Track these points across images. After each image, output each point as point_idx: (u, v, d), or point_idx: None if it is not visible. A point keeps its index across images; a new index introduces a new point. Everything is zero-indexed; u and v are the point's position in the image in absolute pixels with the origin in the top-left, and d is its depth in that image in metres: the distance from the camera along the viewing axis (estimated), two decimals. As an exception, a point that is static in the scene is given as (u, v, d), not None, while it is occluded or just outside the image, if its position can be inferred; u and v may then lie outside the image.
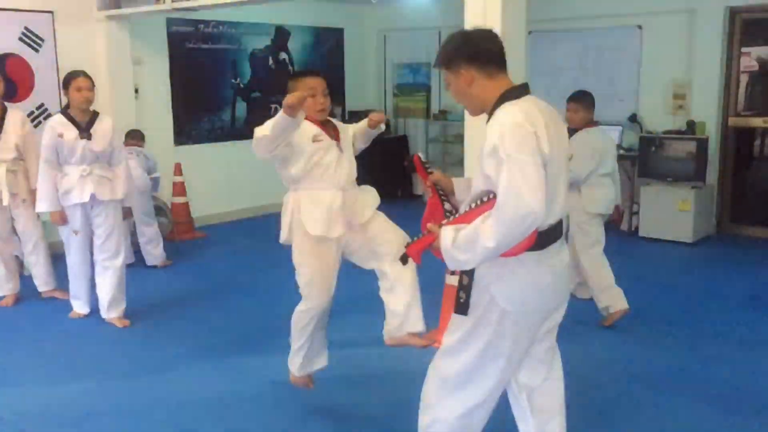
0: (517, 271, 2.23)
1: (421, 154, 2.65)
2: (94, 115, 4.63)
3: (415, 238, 2.35)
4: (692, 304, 5.09)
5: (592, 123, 4.76)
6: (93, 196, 4.59)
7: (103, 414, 3.58)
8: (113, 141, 4.69)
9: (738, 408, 3.52)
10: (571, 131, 4.46)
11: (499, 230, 2.05)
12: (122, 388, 3.87)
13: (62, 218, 4.63)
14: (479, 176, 2.21)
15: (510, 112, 2.16)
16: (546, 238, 2.23)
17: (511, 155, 2.05)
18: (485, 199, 2.15)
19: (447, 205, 2.45)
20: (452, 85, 2.34)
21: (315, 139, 3.29)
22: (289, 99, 2.93)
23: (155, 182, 6.43)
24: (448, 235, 2.17)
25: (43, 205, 4.62)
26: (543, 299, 2.33)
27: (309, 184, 3.30)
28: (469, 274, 2.29)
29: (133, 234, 6.28)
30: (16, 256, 5.53)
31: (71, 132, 4.52)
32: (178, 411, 3.60)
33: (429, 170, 2.57)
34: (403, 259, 2.52)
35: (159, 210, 6.65)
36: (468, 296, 2.31)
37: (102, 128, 4.61)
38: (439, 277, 4.34)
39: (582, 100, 4.76)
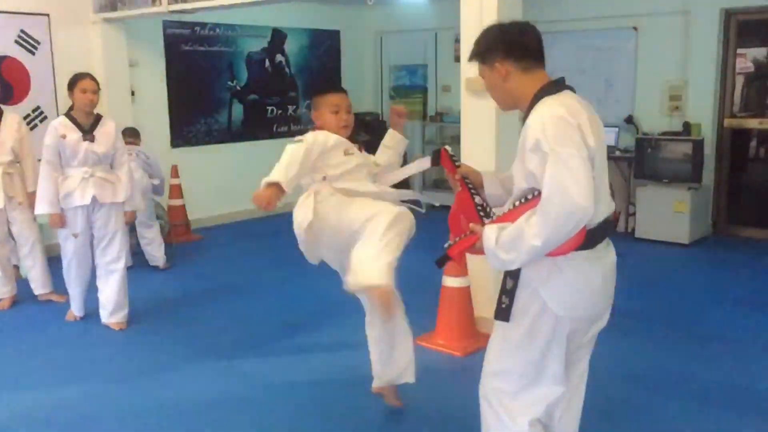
0: (567, 271, 2.13)
1: (448, 147, 2.54)
2: (97, 117, 4.61)
3: (456, 239, 2.25)
4: (688, 305, 5.10)
5: None
6: (94, 199, 4.57)
7: (100, 417, 3.57)
8: (116, 144, 4.67)
9: (734, 408, 3.52)
10: None
11: (545, 228, 1.97)
12: (119, 391, 3.86)
13: (61, 221, 4.59)
14: (520, 174, 2.13)
15: (551, 105, 2.09)
16: (595, 235, 2.14)
17: (555, 149, 1.98)
18: (529, 196, 2.08)
19: (477, 199, 2.35)
20: (486, 79, 2.27)
21: (346, 153, 3.21)
22: (259, 201, 2.96)
23: (159, 187, 6.42)
24: (491, 235, 2.10)
25: (42, 207, 4.57)
26: (593, 301, 2.23)
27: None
28: (514, 277, 2.20)
29: (132, 236, 6.27)
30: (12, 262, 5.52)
31: (74, 134, 4.50)
32: (175, 413, 3.59)
33: (457, 163, 2.47)
34: (441, 262, 2.38)
35: (156, 212, 6.64)
36: (511, 301, 2.21)
37: (105, 131, 4.60)
38: (435, 278, 4.36)
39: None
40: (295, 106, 9.08)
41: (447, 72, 8.87)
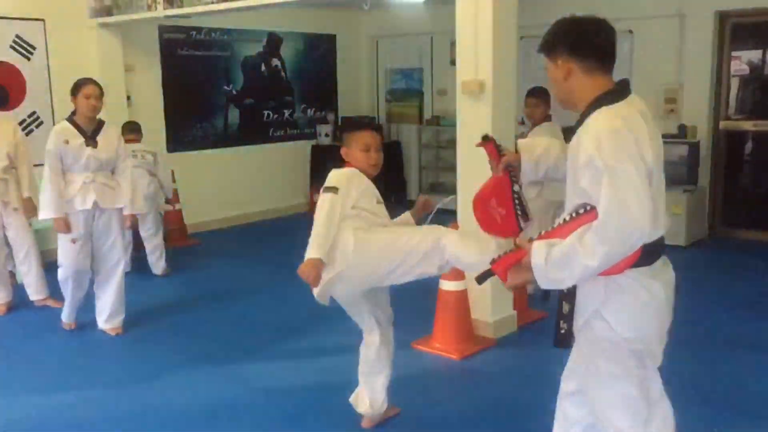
0: (629, 289, 2.02)
1: (492, 135, 2.45)
2: (100, 123, 4.59)
3: (502, 254, 2.14)
4: (685, 307, 5.09)
5: (548, 117, 5.08)
6: (96, 204, 4.54)
7: (96, 423, 3.56)
8: (118, 150, 4.65)
9: (732, 410, 3.53)
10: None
11: (601, 248, 1.87)
12: (116, 397, 3.85)
13: (66, 225, 4.52)
14: (572, 188, 2.03)
15: (607, 117, 1.98)
16: (654, 252, 2.05)
17: (611, 165, 1.87)
18: (581, 211, 1.97)
19: (516, 187, 2.29)
20: (549, 72, 2.16)
21: (378, 201, 3.18)
22: (306, 277, 2.90)
23: (166, 189, 6.41)
24: (540, 252, 1.98)
25: (47, 212, 4.50)
26: (660, 319, 2.12)
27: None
28: (570, 300, 2.10)
29: (134, 243, 6.28)
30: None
31: (77, 139, 4.48)
32: (171, 419, 3.58)
33: (502, 152, 2.37)
34: (482, 278, 2.25)
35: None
36: (570, 326, 2.11)
37: (108, 137, 4.58)
38: (431, 282, 4.35)
39: (541, 95, 5.02)
40: (291, 111, 9.09)
41: (443, 75, 8.88)
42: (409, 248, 2.90)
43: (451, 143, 8.34)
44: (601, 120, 1.98)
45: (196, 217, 7.81)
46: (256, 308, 5.33)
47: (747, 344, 4.41)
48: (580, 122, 2.06)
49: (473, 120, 4.33)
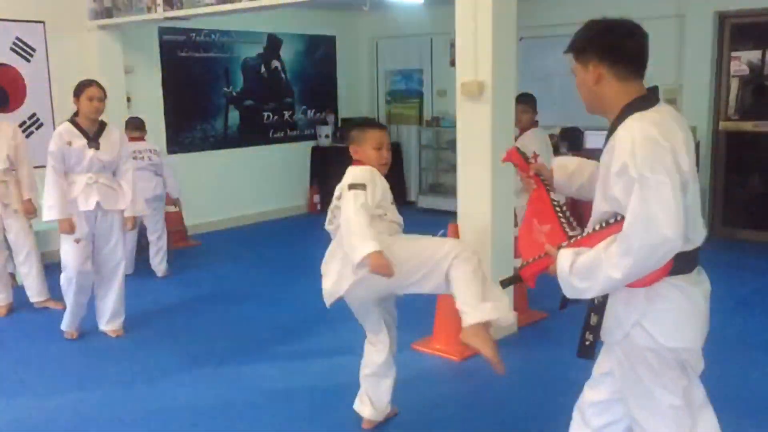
0: (672, 297, 1.97)
1: (518, 146, 2.40)
2: (102, 125, 4.58)
3: (530, 260, 2.12)
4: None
5: (535, 123, 5.17)
6: (98, 205, 4.53)
7: (96, 424, 3.56)
8: (121, 152, 4.64)
9: (731, 409, 3.52)
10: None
11: (626, 260, 1.82)
12: (116, 398, 3.85)
13: (70, 226, 4.49)
14: (601, 194, 1.98)
15: (642, 124, 1.91)
16: (694, 257, 2.03)
17: (644, 175, 1.81)
18: (611, 221, 1.92)
19: (553, 195, 2.23)
20: (578, 77, 2.09)
21: (392, 201, 3.20)
22: (384, 270, 2.84)
23: (172, 188, 6.40)
24: (566, 259, 1.95)
25: (52, 213, 4.47)
26: (701, 327, 2.08)
27: None
28: (599, 312, 2.05)
29: (139, 244, 6.29)
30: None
31: (79, 141, 4.47)
32: (171, 420, 3.58)
33: (529, 161, 2.33)
34: (507, 283, 2.24)
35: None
36: (596, 337, 2.06)
37: (111, 139, 4.57)
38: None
39: (529, 101, 5.06)
40: (291, 112, 9.09)
41: (442, 77, 8.89)
42: (435, 261, 2.94)
43: (451, 144, 8.35)
44: (636, 127, 1.90)
45: (197, 219, 7.82)
46: (257, 309, 5.33)
47: (747, 344, 4.41)
48: (612, 129, 2.01)
49: (473, 121, 4.34)
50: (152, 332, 4.87)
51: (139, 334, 4.82)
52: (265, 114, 8.80)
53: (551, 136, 7.98)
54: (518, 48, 4.66)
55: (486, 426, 3.48)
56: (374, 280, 2.96)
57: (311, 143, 9.27)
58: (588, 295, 1.97)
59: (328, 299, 3.18)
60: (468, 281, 2.90)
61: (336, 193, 3.12)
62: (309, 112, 9.31)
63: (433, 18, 8.59)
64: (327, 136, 9.20)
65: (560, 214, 2.16)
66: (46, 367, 4.33)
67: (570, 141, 7.79)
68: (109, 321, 4.76)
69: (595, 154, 7.14)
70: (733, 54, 7.07)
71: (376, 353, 3.32)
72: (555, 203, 2.20)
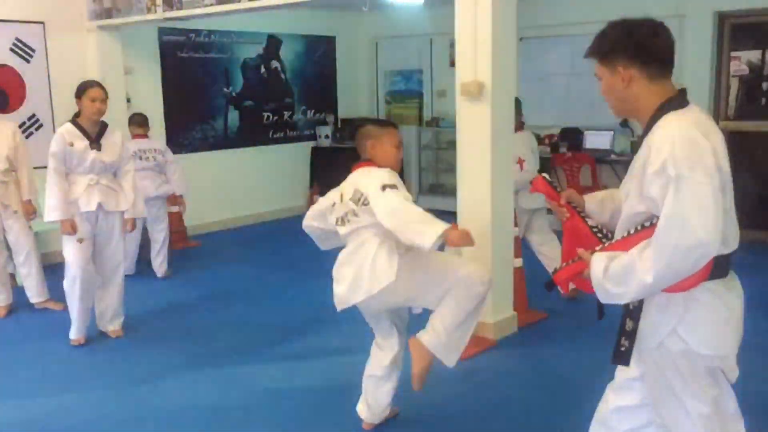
0: (709, 303, 1.91)
1: (545, 174, 2.32)
2: (104, 126, 4.56)
3: (564, 265, 2.08)
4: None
5: (522, 126, 5.27)
6: (99, 206, 4.51)
7: (97, 425, 3.56)
8: (122, 154, 4.62)
9: (753, 416, 3.52)
10: None
11: (659, 263, 1.77)
12: (117, 398, 3.85)
13: (72, 227, 4.46)
14: (635, 196, 1.92)
15: (681, 123, 1.86)
16: (729, 262, 1.97)
17: (683, 175, 1.75)
18: (647, 224, 1.87)
19: (591, 221, 2.14)
20: (604, 81, 2.03)
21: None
22: (469, 240, 2.82)
23: (180, 184, 6.36)
24: (599, 264, 1.90)
25: (53, 214, 4.44)
26: (736, 333, 2.03)
27: None
28: (634, 317, 1.98)
29: (142, 245, 6.30)
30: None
31: (81, 142, 4.45)
32: (171, 421, 3.58)
33: (558, 189, 2.24)
34: (549, 286, 2.22)
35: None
36: (632, 344, 1.99)
37: (112, 141, 4.56)
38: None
39: (517, 105, 4.99)
40: (290, 112, 9.09)
41: (442, 77, 8.89)
42: (449, 284, 2.98)
43: (451, 145, 8.35)
44: (675, 127, 1.85)
45: (197, 219, 7.81)
46: (257, 310, 5.33)
47: (747, 343, 4.40)
48: (646, 130, 1.96)
49: (473, 121, 4.34)
50: (152, 332, 4.87)
51: (139, 334, 4.82)
52: (265, 114, 8.80)
53: (551, 136, 8.02)
54: (518, 48, 4.66)
55: (486, 426, 3.48)
56: (388, 295, 2.98)
57: (311, 143, 9.27)
58: (623, 300, 1.91)
59: (340, 305, 3.15)
60: (458, 308, 2.97)
61: (352, 195, 3.06)
62: (309, 112, 9.31)
63: (433, 18, 8.59)
64: (327, 137, 9.20)
65: (601, 237, 2.09)
66: (47, 367, 4.32)
67: (570, 141, 7.80)
68: (109, 322, 4.76)
69: (594, 154, 7.24)
70: (733, 54, 7.07)
71: (383, 356, 3.30)
72: (594, 228, 2.12)
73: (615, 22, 2.03)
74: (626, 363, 2.02)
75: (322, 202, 3.31)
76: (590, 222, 2.13)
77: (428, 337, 3.01)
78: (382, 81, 9.81)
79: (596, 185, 7.42)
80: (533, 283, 4.96)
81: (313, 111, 9.34)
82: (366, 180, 3.06)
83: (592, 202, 2.23)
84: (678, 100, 1.95)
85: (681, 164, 1.77)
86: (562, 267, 2.08)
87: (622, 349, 2.01)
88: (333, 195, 3.24)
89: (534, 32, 7.93)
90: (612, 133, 7.53)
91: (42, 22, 6.63)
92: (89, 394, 3.92)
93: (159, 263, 6.27)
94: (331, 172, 9.36)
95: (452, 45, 4.63)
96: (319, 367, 4.22)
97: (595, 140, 7.66)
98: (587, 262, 1.96)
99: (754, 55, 7.06)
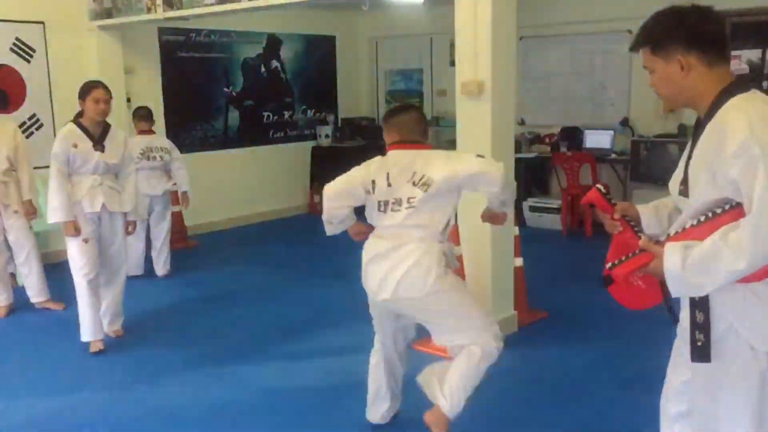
0: (765, 295, 1.79)
1: (600, 186, 2.17)
2: (106, 126, 4.52)
3: (624, 259, 1.96)
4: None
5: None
6: (103, 207, 4.48)
7: (96, 425, 3.56)
8: (125, 155, 4.59)
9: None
10: None
11: (755, 247, 1.67)
12: (117, 398, 3.85)
13: (76, 229, 4.42)
14: (707, 185, 1.82)
15: (754, 104, 1.79)
16: None
17: None
18: (718, 210, 1.78)
19: (643, 237, 2.02)
20: (658, 72, 1.93)
21: None
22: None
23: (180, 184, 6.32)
24: (676, 254, 1.78)
25: (57, 215, 4.39)
26: None
27: None
28: (704, 308, 1.86)
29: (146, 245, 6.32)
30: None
31: (85, 143, 4.41)
32: (173, 420, 3.59)
33: (612, 201, 2.12)
34: (606, 283, 2.08)
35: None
36: (707, 338, 1.86)
37: (116, 142, 4.52)
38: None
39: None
40: (291, 112, 9.09)
41: (442, 76, 8.89)
42: (463, 330, 3.00)
43: (451, 144, 8.35)
44: (748, 107, 1.77)
45: (197, 219, 7.81)
46: (257, 309, 5.33)
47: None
48: (709, 115, 1.86)
49: (473, 121, 4.34)
50: (153, 332, 4.87)
51: (139, 334, 4.82)
52: (265, 114, 8.80)
53: (551, 136, 8.03)
54: (518, 47, 4.66)
55: (485, 426, 3.48)
56: (406, 304, 2.98)
57: (311, 143, 9.27)
58: (704, 291, 1.80)
59: (372, 296, 3.09)
60: (470, 375, 2.98)
61: (410, 177, 2.92)
62: (309, 111, 9.31)
63: (432, 18, 8.59)
64: (327, 136, 9.20)
65: None
66: (47, 367, 4.32)
67: (570, 140, 7.80)
68: (110, 322, 4.75)
69: (594, 154, 7.24)
70: (733, 53, 7.07)
71: (372, 355, 3.33)
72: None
73: (663, 10, 1.94)
74: (707, 359, 1.87)
75: (351, 180, 3.09)
76: (643, 238, 2.01)
77: (449, 407, 2.99)
78: (383, 80, 9.81)
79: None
80: (533, 283, 4.96)
81: (313, 110, 9.35)
82: (436, 164, 2.94)
83: (647, 211, 2.14)
84: (743, 84, 1.89)
85: (765, 141, 1.69)
86: (622, 261, 1.95)
87: (699, 344, 1.87)
88: (369, 174, 3.04)
89: (534, 31, 7.93)
90: (612, 132, 7.53)
91: (42, 22, 6.63)
92: (89, 393, 3.92)
93: (162, 262, 6.27)
94: (331, 171, 9.32)
95: (452, 44, 4.63)
96: (320, 366, 4.22)
97: (595, 139, 7.66)
98: (655, 253, 1.85)
99: (754, 54, 7.05)
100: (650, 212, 2.14)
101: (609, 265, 1.99)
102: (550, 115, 8.20)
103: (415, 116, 3.14)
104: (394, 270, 2.92)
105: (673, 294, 1.87)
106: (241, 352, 4.48)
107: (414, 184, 2.91)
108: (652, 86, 1.99)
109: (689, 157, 1.95)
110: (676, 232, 1.87)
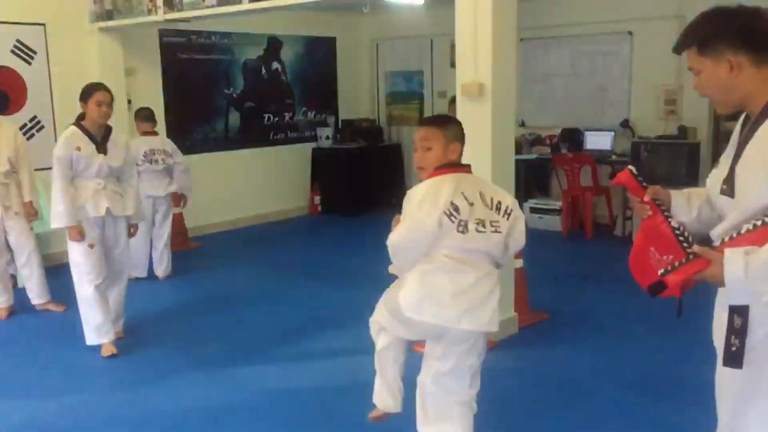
0: None
1: (632, 168, 2.11)
2: (108, 129, 4.49)
3: (676, 265, 1.87)
4: (687, 307, 5.10)
5: None
6: (108, 211, 4.44)
7: (98, 426, 3.56)
8: (127, 158, 4.58)
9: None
10: None
11: None
12: (117, 400, 3.85)
13: (80, 234, 4.35)
14: (760, 186, 1.77)
15: None
16: None
17: None
18: None
19: (674, 222, 1.96)
20: (705, 73, 1.87)
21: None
22: None
23: (185, 186, 6.34)
24: (737, 261, 1.70)
25: (61, 221, 4.33)
26: None
27: None
28: (743, 313, 1.82)
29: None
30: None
31: (88, 146, 4.37)
32: (174, 422, 3.58)
33: (644, 184, 2.05)
34: (654, 290, 2.00)
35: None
36: (743, 342, 1.83)
37: (117, 144, 4.50)
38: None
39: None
40: (291, 114, 9.10)
41: (443, 78, 8.90)
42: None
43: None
44: None
45: (198, 221, 7.82)
46: (258, 311, 5.33)
47: None
48: (764, 114, 1.81)
49: (473, 122, 4.32)
50: (153, 334, 4.87)
51: (140, 336, 4.82)
52: (266, 116, 8.81)
53: (551, 137, 8.03)
54: (518, 49, 4.66)
55: (485, 426, 3.47)
56: (467, 342, 2.80)
57: (312, 145, 9.27)
58: (766, 299, 1.73)
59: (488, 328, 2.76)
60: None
61: (489, 203, 2.70)
62: (309, 113, 9.31)
63: (433, 19, 8.59)
64: (327, 138, 9.20)
65: (682, 240, 1.91)
66: (47, 369, 4.32)
67: (570, 142, 7.81)
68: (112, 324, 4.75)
69: (595, 155, 7.24)
70: (734, 54, 7.07)
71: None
72: (677, 231, 1.93)
73: (708, 10, 1.89)
74: (739, 365, 1.84)
75: (441, 205, 2.61)
76: (673, 223, 1.95)
77: None
78: (383, 82, 9.81)
79: (596, 186, 7.43)
80: (534, 284, 4.96)
81: (313, 112, 9.35)
82: (500, 191, 2.79)
83: (679, 197, 2.09)
84: None
85: None
86: (675, 267, 1.86)
87: (734, 348, 1.84)
88: (453, 198, 2.63)
89: (534, 33, 7.93)
90: (612, 133, 7.54)
91: (43, 24, 6.64)
92: (90, 395, 3.92)
93: (163, 264, 6.28)
94: (331, 173, 9.41)
95: (453, 46, 4.64)
96: (321, 368, 4.22)
97: (596, 141, 7.67)
98: (711, 259, 1.77)
99: (755, 56, 7.06)
100: (683, 198, 2.08)
101: (661, 271, 1.90)
102: (550, 117, 8.20)
103: (456, 131, 2.82)
104: (490, 299, 2.68)
105: (731, 302, 1.84)
106: (241, 353, 4.48)
107: (498, 211, 2.71)
108: (697, 88, 1.94)
109: (736, 156, 1.88)
110: (731, 237, 1.79)
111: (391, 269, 2.90)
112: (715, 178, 1.98)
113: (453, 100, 4.84)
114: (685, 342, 4.45)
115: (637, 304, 5.06)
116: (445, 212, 2.59)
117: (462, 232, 2.62)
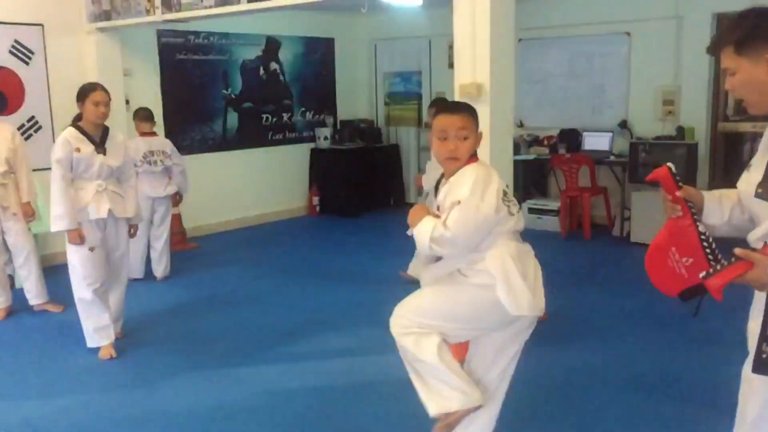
0: None
1: (671, 165, 2.06)
2: (105, 129, 4.46)
3: (718, 268, 1.83)
4: (684, 309, 5.10)
5: None
6: (110, 213, 4.41)
7: (96, 427, 3.56)
8: (125, 158, 4.55)
9: (730, 412, 3.52)
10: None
11: None
12: (116, 401, 3.85)
13: (80, 237, 4.31)
14: None
15: None
16: None
17: None
18: None
19: (701, 228, 1.94)
20: (742, 74, 1.84)
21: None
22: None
23: (183, 185, 6.34)
24: None
25: (61, 224, 4.25)
26: None
27: None
28: None
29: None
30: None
31: (87, 146, 4.34)
32: (171, 423, 3.58)
33: (680, 183, 2.01)
34: (688, 295, 2.00)
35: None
36: None
37: (116, 144, 4.48)
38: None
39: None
40: (289, 114, 9.10)
41: (441, 79, 8.89)
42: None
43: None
44: None
45: (196, 221, 7.82)
46: (256, 312, 5.33)
47: (746, 344, 4.40)
48: None
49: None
50: (152, 335, 4.87)
51: (139, 337, 4.82)
52: (264, 116, 8.81)
53: (549, 138, 8.04)
54: (516, 49, 4.66)
55: (486, 427, 3.47)
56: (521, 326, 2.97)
57: (310, 145, 9.27)
58: None
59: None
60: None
61: (504, 195, 2.68)
62: (308, 114, 9.31)
63: (431, 20, 8.60)
64: (326, 138, 9.20)
65: (708, 251, 1.89)
66: (46, 370, 4.32)
67: (568, 142, 7.81)
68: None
69: (593, 156, 7.24)
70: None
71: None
72: (702, 236, 1.92)
73: (746, 10, 1.85)
74: (766, 372, 1.79)
75: (495, 191, 2.62)
76: (700, 228, 1.93)
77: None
78: (381, 82, 9.82)
79: (595, 187, 7.44)
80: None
81: (312, 113, 9.35)
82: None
83: (712, 200, 2.06)
84: None
85: None
86: (717, 271, 1.81)
87: (764, 356, 1.80)
88: (493, 188, 2.63)
89: (532, 33, 7.94)
90: (611, 134, 7.55)
91: (41, 24, 6.63)
92: (89, 396, 3.92)
93: (162, 264, 6.27)
94: (330, 174, 9.41)
95: (451, 46, 4.64)
96: (320, 368, 4.21)
97: (594, 141, 7.67)
98: (755, 262, 1.72)
99: (753, 56, 7.07)
100: (715, 201, 2.05)
101: (703, 274, 1.86)
102: (548, 117, 8.21)
103: (472, 119, 2.77)
104: (538, 280, 2.75)
105: None
106: (240, 354, 4.48)
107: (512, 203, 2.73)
108: (730, 89, 1.90)
109: None
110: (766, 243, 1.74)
111: (410, 271, 2.90)
112: (748, 181, 1.95)
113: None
114: (685, 342, 4.46)
115: (635, 304, 5.07)
116: (499, 197, 2.61)
117: (512, 214, 2.68)
